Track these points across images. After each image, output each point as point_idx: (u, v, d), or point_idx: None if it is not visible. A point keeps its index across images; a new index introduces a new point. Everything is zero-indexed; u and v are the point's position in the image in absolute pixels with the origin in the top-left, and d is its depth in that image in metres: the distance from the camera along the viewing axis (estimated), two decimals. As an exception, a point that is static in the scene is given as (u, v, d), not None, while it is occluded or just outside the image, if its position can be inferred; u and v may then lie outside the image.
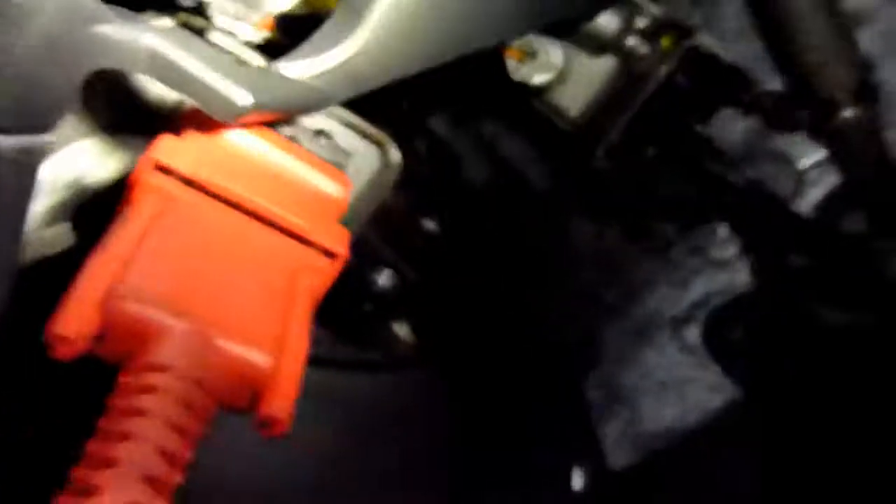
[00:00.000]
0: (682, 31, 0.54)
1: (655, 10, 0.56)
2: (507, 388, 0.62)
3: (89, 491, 0.16)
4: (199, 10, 0.30)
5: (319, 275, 0.29)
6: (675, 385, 0.86)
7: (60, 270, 0.24)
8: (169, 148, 0.27)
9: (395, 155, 0.40)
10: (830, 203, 0.71)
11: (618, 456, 0.78)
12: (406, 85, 0.35)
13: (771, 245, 0.78)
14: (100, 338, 0.21)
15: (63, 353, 0.20)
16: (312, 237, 0.28)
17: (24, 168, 0.26)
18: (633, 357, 0.89)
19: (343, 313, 0.47)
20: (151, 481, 0.17)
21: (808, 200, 0.73)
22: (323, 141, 0.38)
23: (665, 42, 0.54)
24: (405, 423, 0.41)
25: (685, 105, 0.61)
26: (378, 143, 0.40)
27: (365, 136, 0.39)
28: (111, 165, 0.34)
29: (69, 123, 0.33)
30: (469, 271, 0.62)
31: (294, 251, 0.28)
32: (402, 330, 0.50)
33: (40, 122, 0.26)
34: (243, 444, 0.36)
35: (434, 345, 0.50)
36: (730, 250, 0.83)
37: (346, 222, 0.40)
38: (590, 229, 0.92)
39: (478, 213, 0.73)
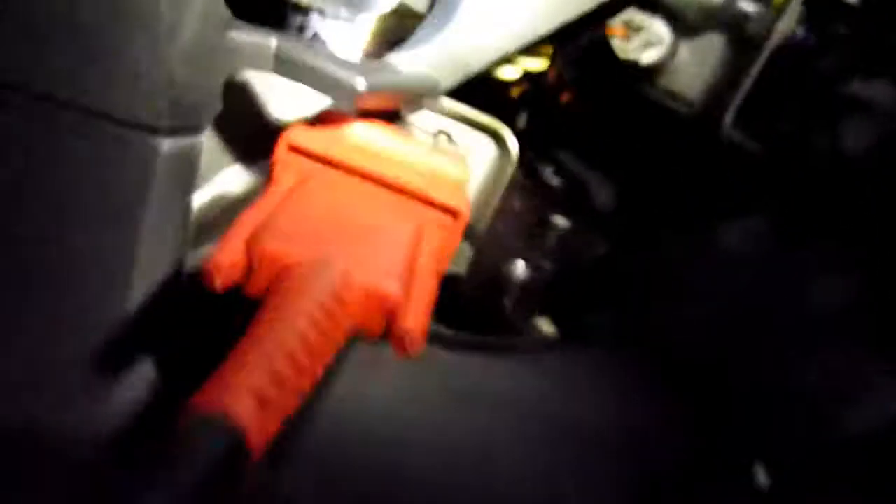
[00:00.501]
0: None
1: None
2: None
3: (210, 397, 0.17)
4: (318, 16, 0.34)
5: (443, 229, 0.30)
6: (852, 392, 0.76)
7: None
8: (300, 132, 0.30)
9: (513, 143, 0.42)
10: None
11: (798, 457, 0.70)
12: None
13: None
14: (248, 272, 0.23)
15: (217, 283, 0.23)
16: (433, 196, 0.30)
17: (183, 166, 0.30)
18: (806, 371, 0.81)
19: (483, 311, 0.48)
20: (262, 395, 0.18)
21: None
22: (443, 139, 0.40)
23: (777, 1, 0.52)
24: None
25: (819, 67, 0.58)
26: (493, 133, 0.41)
27: (480, 127, 0.41)
28: (248, 180, 0.38)
29: (211, 148, 0.37)
30: (603, 268, 0.61)
31: (417, 209, 0.30)
32: (544, 324, 0.49)
33: (192, 123, 0.30)
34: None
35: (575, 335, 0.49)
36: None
37: (473, 215, 0.41)
38: (739, 231, 0.86)
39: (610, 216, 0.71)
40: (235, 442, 0.16)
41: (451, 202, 0.30)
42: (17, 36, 0.26)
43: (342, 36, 0.37)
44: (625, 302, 0.69)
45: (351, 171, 0.30)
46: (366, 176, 0.30)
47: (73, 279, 0.29)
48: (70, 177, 0.29)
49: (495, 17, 0.35)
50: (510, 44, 0.37)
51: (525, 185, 0.60)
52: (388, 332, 0.24)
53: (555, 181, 0.72)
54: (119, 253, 0.29)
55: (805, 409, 0.74)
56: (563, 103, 0.60)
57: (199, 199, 0.36)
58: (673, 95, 0.58)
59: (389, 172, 0.30)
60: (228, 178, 0.38)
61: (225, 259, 0.23)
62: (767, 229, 0.85)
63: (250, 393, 0.17)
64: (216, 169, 0.37)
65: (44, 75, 0.27)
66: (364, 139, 0.33)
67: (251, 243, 0.24)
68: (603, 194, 0.88)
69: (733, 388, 0.64)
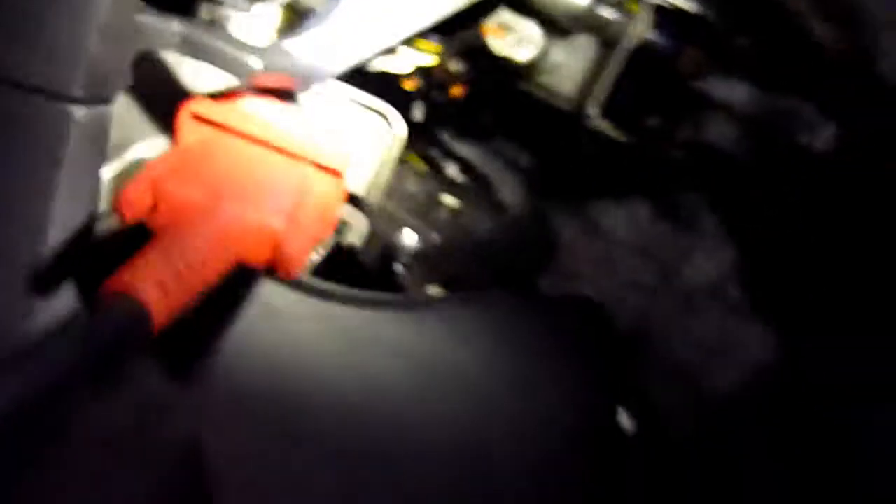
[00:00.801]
0: (645, -6, 0.60)
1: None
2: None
3: (121, 279, 0.22)
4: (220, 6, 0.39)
5: (325, 184, 0.35)
6: (724, 349, 0.87)
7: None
8: (201, 103, 0.35)
9: (399, 124, 0.47)
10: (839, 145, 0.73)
11: (681, 427, 0.79)
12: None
13: (794, 191, 0.80)
14: (153, 209, 0.28)
15: (127, 215, 0.27)
16: (313, 157, 0.35)
17: (95, 132, 0.34)
18: (682, 333, 0.90)
19: (379, 276, 0.54)
20: (164, 285, 0.23)
21: (819, 144, 0.76)
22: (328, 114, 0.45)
23: (632, 7, 0.61)
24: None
25: (673, 67, 0.66)
26: (382, 115, 0.47)
27: (370, 109, 0.47)
28: (163, 147, 0.42)
29: (132, 120, 0.41)
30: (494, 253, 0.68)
31: (301, 168, 0.35)
32: (435, 292, 0.55)
33: (104, 94, 0.34)
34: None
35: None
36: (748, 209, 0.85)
37: (365, 188, 0.47)
38: (622, 215, 0.96)
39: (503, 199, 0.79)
40: (140, 313, 0.21)
41: (330, 163, 0.36)
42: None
43: (248, 25, 0.42)
44: (515, 279, 0.76)
45: (244, 136, 0.35)
46: (257, 141, 0.35)
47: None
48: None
49: (374, 11, 0.41)
50: (389, 36, 0.42)
51: (419, 170, 0.66)
52: (273, 258, 0.29)
53: (449, 168, 0.79)
54: (36, 205, 0.33)
55: (680, 364, 0.84)
56: (454, 97, 0.66)
57: (121, 163, 0.40)
58: (549, 91, 0.66)
59: (277, 138, 0.35)
60: (146, 145, 0.42)
61: (132, 195, 0.27)
62: (648, 214, 0.94)
63: (154, 281, 0.22)
64: (136, 137, 0.41)
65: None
66: (257, 111, 0.38)
67: (156, 185, 0.28)
68: (498, 180, 0.96)
69: (617, 350, 0.72)
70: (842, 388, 0.64)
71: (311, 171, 0.35)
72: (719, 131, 0.77)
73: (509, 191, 1.08)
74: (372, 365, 0.45)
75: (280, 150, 0.35)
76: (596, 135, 0.67)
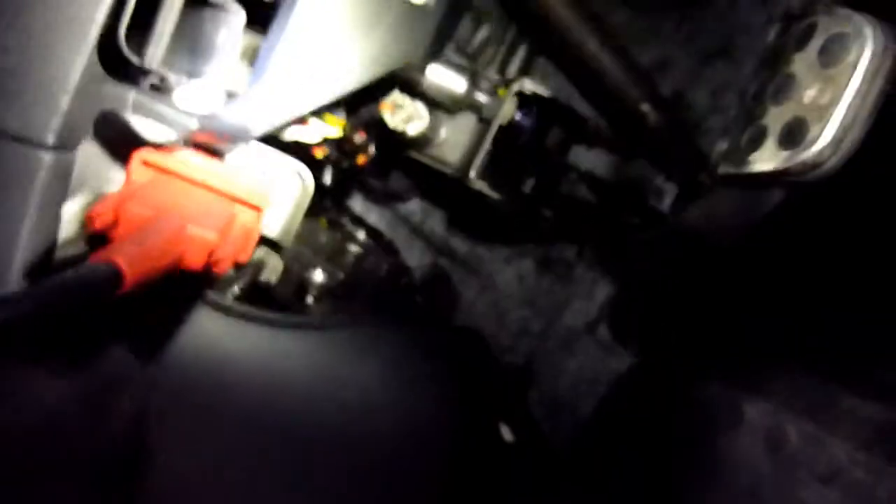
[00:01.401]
0: (509, 83, 0.75)
1: (492, 73, 0.78)
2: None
3: (101, 253, 0.31)
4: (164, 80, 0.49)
5: (247, 215, 0.45)
6: (599, 379, 0.99)
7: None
8: (149, 152, 0.44)
9: (310, 179, 0.58)
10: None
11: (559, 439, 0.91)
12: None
13: (649, 249, 0.95)
14: (114, 224, 0.37)
15: (95, 226, 0.36)
16: (239, 196, 0.45)
17: (61, 173, 0.43)
18: (563, 369, 1.03)
19: (292, 307, 0.63)
20: (132, 258, 0.32)
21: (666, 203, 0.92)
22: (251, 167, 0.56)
23: (501, 92, 0.75)
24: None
25: (539, 140, 0.81)
26: (294, 170, 0.58)
27: (284, 165, 0.57)
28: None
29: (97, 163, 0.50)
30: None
31: (229, 203, 0.45)
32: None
33: (71, 142, 0.43)
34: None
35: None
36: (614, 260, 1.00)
37: (279, 233, 0.57)
38: (511, 273, 1.09)
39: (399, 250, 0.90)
40: (114, 271, 0.29)
41: (252, 200, 0.46)
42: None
43: (191, 91, 0.53)
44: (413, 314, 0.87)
45: (183, 178, 0.44)
46: (193, 182, 0.44)
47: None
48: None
49: (289, 87, 0.52)
50: (300, 107, 0.54)
51: (329, 225, 0.77)
52: (207, 261, 0.38)
53: (358, 233, 0.90)
54: (8, 231, 0.42)
55: (560, 395, 0.95)
56: (360, 165, 0.78)
57: (85, 196, 0.48)
58: (438, 160, 0.79)
59: (208, 180, 0.45)
60: (106, 183, 0.50)
61: (99, 211, 0.36)
62: (532, 269, 1.08)
63: (125, 254, 0.31)
64: (101, 176, 0.50)
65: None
66: (193, 160, 0.47)
67: (118, 205, 0.37)
68: (405, 246, 1.08)
69: (495, 374, 0.82)
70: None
71: (235, 205, 0.45)
72: (584, 193, 0.92)
73: (415, 256, 1.20)
74: (284, 372, 0.53)
75: (211, 189, 0.45)
76: (474, 193, 0.79)
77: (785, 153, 0.37)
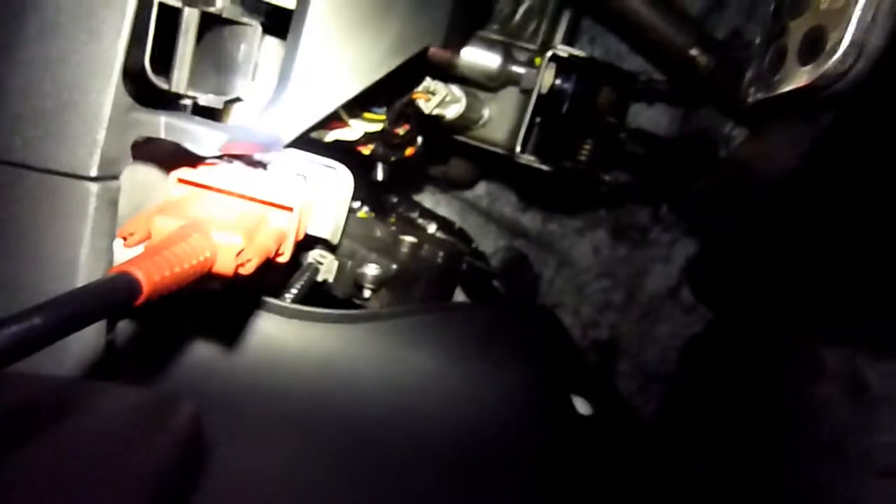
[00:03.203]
0: (546, 49, 0.73)
1: (528, 45, 0.76)
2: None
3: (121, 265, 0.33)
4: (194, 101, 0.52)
5: (279, 217, 0.47)
6: (687, 345, 0.94)
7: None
8: (184, 170, 0.47)
9: (346, 175, 0.59)
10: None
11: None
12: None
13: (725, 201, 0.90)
14: (147, 236, 0.40)
15: (128, 239, 0.39)
16: (268, 200, 0.47)
17: (108, 201, 0.47)
18: (650, 338, 0.99)
19: (350, 303, 0.65)
20: (151, 269, 0.34)
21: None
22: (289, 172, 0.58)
23: (538, 61, 0.73)
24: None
25: (588, 104, 0.79)
26: (331, 169, 0.59)
27: (321, 165, 0.59)
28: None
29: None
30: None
31: (258, 206, 0.47)
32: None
33: (112, 172, 0.47)
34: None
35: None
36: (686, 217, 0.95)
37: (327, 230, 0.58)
38: (585, 246, 1.06)
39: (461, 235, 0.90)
40: (131, 281, 0.31)
41: (281, 201, 0.47)
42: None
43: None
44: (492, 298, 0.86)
45: (212, 189, 0.47)
46: (223, 192, 0.47)
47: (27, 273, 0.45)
48: (27, 215, 0.45)
49: (309, 89, 0.54)
50: (326, 106, 0.55)
51: (383, 218, 0.78)
52: (235, 264, 0.40)
53: (430, 227, 0.90)
54: (67, 255, 0.46)
55: (644, 362, 0.92)
56: (409, 156, 0.79)
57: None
58: (486, 140, 0.78)
59: (237, 187, 0.47)
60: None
61: (134, 226, 0.39)
62: (607, 240, 1.05)
63: (144, 265, 0.33)
64: (152, 198, 0.54)
65: (10, 147, 0.44)
66: (224, 171, 0.50)
67: (151, 218, 0.40)
68: (478, 234, 1.08)
69: (568, 347, 0.80)
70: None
71: (264, 207, 0.47)
72: (649, 152, 0.88)
73: (491, 241, 1.20)
74: (346, 368, 0.55)
75: (238, 195, 0.47)
76: (538, 171, 0.78)
77: (807, 67, 0.34)
